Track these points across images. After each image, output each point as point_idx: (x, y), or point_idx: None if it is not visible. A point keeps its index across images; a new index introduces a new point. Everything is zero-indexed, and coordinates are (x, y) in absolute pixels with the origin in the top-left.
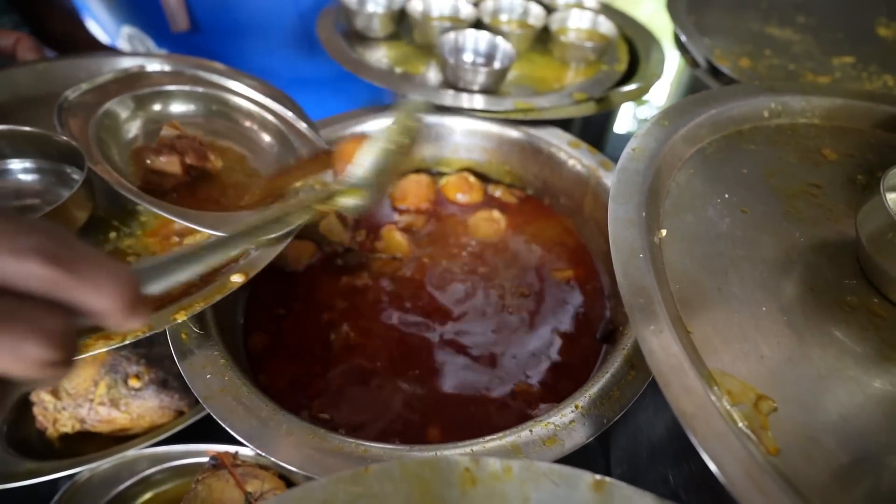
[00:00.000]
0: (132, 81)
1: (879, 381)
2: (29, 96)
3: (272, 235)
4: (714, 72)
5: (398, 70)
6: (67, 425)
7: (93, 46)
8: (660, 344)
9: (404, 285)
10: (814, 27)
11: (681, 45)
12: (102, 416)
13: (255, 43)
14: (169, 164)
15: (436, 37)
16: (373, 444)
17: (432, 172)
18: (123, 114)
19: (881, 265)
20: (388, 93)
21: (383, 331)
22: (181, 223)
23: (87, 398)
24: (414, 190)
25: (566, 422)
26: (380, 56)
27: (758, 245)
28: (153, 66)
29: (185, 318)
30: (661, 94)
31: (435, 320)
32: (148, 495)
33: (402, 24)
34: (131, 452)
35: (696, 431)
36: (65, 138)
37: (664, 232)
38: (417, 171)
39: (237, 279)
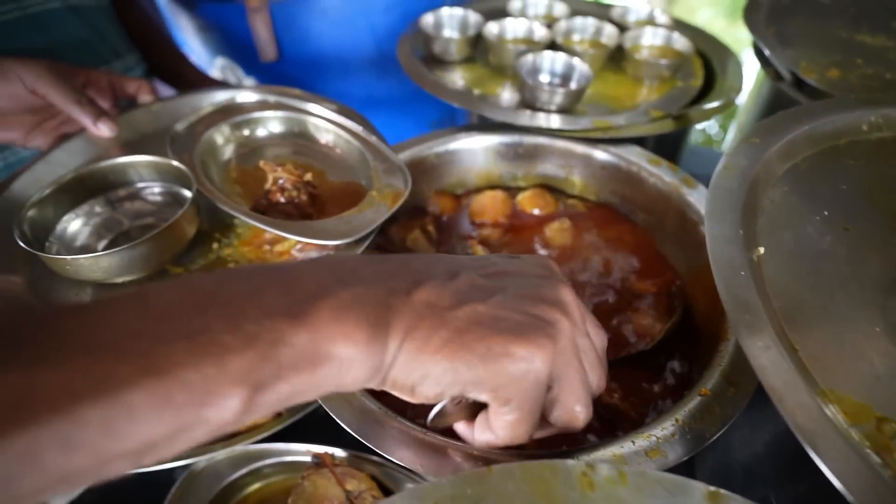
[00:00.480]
0: (226, 111)
1: None
2: (146, 132)
3: (353, 238)
4: (799, 84)
5: (476, 91)
6: None
7: (196, 77)
8: (770, 359)
9: None
10: None
11: (762, 58)
12: None
13: (334, 69)
14: (287, 204)
15: (511, 59)
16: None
17: (508, 188)
18: (220, 139)
19: None
20: (460, 112)
21: None
22: (272, 232)
23: None
24: (491, 204)
25: (667, 434)
26: (456, 78)
27: (864, 263)
28: (242, 96)
29: None
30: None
31: None
32: (255, 486)
33: (477, 48)
34: (240, 447)
35: (817, 449)
36: (176, 163)
37: (762, 249)
38: (494, 187)
39: None
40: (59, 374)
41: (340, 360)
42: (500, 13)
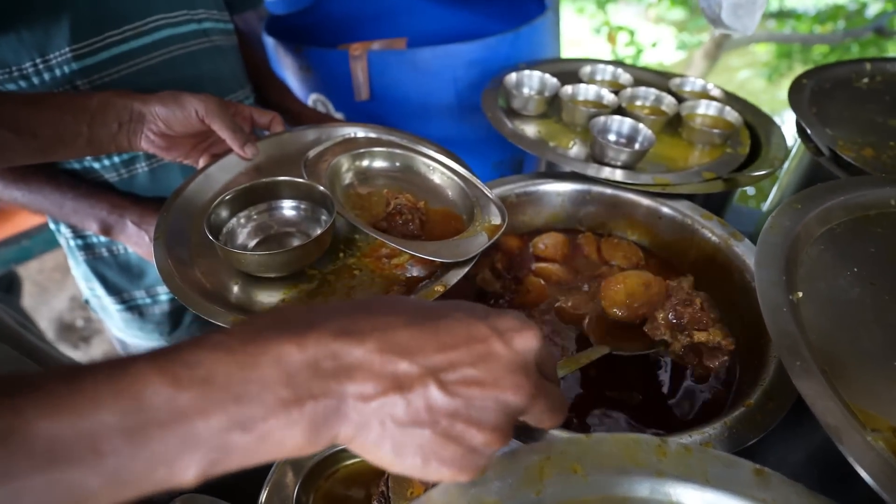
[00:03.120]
0: (346, 144)
1: None
2: (276, 156)
3: (462, 259)
4: (837, 159)
5: (551, 144)
6: None
7: (298, 108)
8: (810, 384)
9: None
10: None
11: (803, 134)
12: None
13: (416, 111)
14: (403, 226)
15: (582, 119)
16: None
17: (568, 230)
18: (343, 167)
19: None
20: (529, 158)
21: None
22: (394, 247)
23: None
24: (553, 243)
25: (717, 433)
26: (531, 130)
27: (887, 312)
28: (360, 133)
29: None
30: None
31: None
32: (345, 463)
33: (551, 105)
34: None
35: (860, 462)
36: (321, 188)
37: (801, 294)
38: (556, 228)
39: (439, 289)
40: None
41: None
42: (571, 76)
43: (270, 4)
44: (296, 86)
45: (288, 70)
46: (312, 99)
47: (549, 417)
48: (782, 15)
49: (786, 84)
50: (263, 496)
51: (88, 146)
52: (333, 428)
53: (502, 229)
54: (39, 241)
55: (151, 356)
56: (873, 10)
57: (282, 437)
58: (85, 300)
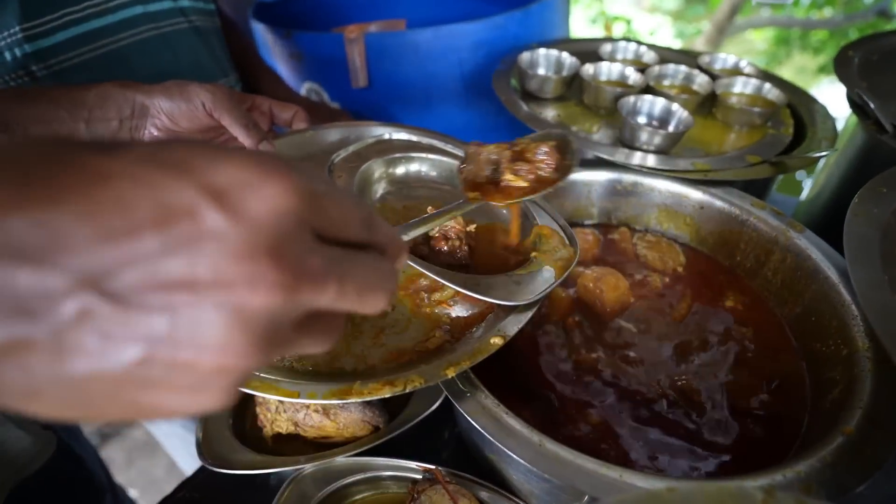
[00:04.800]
0: (379, 147)
1: None
2: (300, 155)
3: (523, 302)
4: None
5: (574, 128)
6: (283, 427)
7: (289, 97)
8: None
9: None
10: None
11: (858, 110)
12: (315, 422)
13: (418, 99)
14: (448, 254)
15: (608, 100)
16: (628, 469)
17: (600, 225)
18: (375, 174)
19: None
20: None
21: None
22: (435, 280)
23: (304, 405)
24: (584, 242)
25: (815, 472)
26: (549, 114)
27: None
28: (394, 134)
29: (453, 374)
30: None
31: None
32: (361, 496)
33: (570, 87)
34: (341, 458)
35: None
36: None
37: None
38: (596, 224)
39: (497, 342)
40: None
41: None
42: (591, 55)
43: None
44: (287, 74)
45: (278, 58)
46: (306, 88)
47: (360, 302)
48: (778, 3)
49: (785, 72)
50: None
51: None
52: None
53: (574, 262)
54: None
55: None
56: None
57: None
58: None
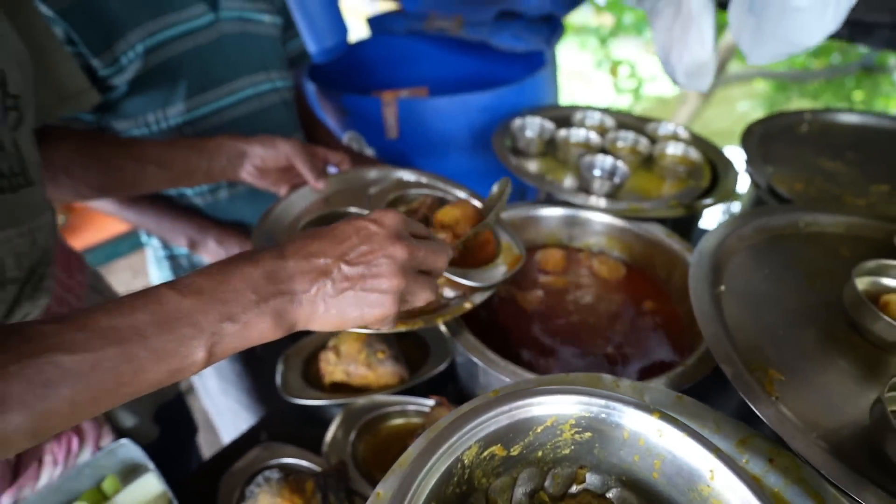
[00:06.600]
0: (399, 184)
1: (861, 388)
2: (342, 190)
3: (487, 284)
4: (772, 191)
5: (547, 177)
6: (337, 376)
7: (339, 148)
8: (726, 355)
9: (552, 313)
10: (860, 161)
11: (749, 170)
12: (361, 373)
13: (436, 148)
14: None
15: (573, 157)
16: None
17: (566, 246)
18: (399, 203)
19: (856, 320)
20: (530, 189)
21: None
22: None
23: (354, 360)
24: (552, 257)
25: (664, 381)
26: (532, 166)
27: (787, 301)
28: (407, 176)
29: (441, 322)
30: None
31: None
32: (391, 422)
33: (548, 146)
34: (379, 396)
35: (740, 390)
36: None
37: (723, 287)
38: (558, 245)
39: (468, 306)
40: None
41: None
42: (565, 121)
43: (313, 55)
44: (333, 124)
45: (327, 111)
46: (347, 136)
47: (435, 257)
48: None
49: None
50: (326, 445)
51: (205, 177)
52: (291, 316)
53: (521, 262)
54: (114, 248)
55: (162, 284)
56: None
57: (257, 325)
58: None
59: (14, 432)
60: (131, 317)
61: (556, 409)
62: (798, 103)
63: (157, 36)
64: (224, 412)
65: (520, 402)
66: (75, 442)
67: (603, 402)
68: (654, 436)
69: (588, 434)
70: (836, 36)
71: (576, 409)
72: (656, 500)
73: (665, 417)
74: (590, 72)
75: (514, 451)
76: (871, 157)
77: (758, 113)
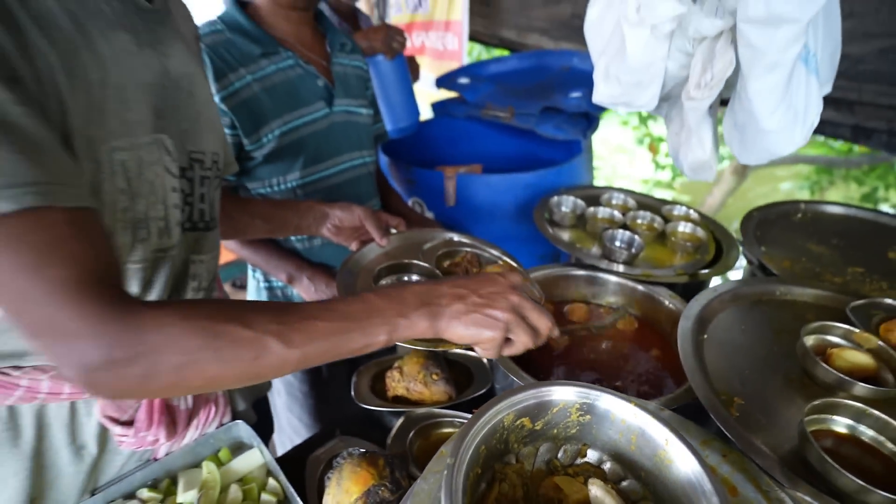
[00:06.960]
0: (447, 242)
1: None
2: (400, 246)
3: None
4: (763, 267)
5: (577, 245)
6: (399, 391)
7: (407, 213)
8: (702, 386)
9: (575, 353)
10: (842, 246)
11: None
12: (418, 389)
13: (485, 215)
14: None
15: (599, 230)
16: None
17: (590, 302)
18: (444, 258)
19: (805, 367)
20: (564, 254)
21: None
22: None
23: (414, 378)
24: (578, 310)
25: (659, 403)
26: (565, 235)
27: (757, 350)
28: (455, 237)
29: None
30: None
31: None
32: (437, 431)
33: (579, 220)
34: (431, 409)
35: (706, 406)
36: (437, 271)
37: (706, 336)
38: (583, 300)
39: None
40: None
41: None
42: (594, 199)
43: (389, 132)
44: (400, 190)
45: (396, 180)
46: (412, 201)
47: (539, 315)
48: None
49: (828, 195)
50: (390, 439)
51: (295, 230)
52: (438, 322)
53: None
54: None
55: (366, 291)
56: None
57: (419, 323)
58: None
59: (292, 361)
60: (353, 307)
61: (566, 395)
62: (841, 186)
63: (290, 123)
64: (285, 428)
65: (542, 389)
66: (213, 411)
67: (596, 392)
68: (630, 417)
69: (588, 416)
70: (839, 137)
71: (578, 397)
72: (634, 466)
73: (639, 405)
74: (632, 146)
75: (538, 426)
76: (852, 244)
77: (802, 194)
